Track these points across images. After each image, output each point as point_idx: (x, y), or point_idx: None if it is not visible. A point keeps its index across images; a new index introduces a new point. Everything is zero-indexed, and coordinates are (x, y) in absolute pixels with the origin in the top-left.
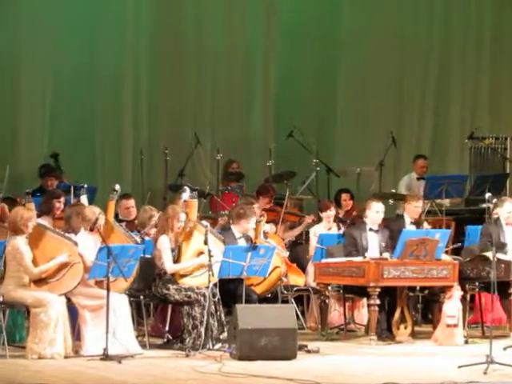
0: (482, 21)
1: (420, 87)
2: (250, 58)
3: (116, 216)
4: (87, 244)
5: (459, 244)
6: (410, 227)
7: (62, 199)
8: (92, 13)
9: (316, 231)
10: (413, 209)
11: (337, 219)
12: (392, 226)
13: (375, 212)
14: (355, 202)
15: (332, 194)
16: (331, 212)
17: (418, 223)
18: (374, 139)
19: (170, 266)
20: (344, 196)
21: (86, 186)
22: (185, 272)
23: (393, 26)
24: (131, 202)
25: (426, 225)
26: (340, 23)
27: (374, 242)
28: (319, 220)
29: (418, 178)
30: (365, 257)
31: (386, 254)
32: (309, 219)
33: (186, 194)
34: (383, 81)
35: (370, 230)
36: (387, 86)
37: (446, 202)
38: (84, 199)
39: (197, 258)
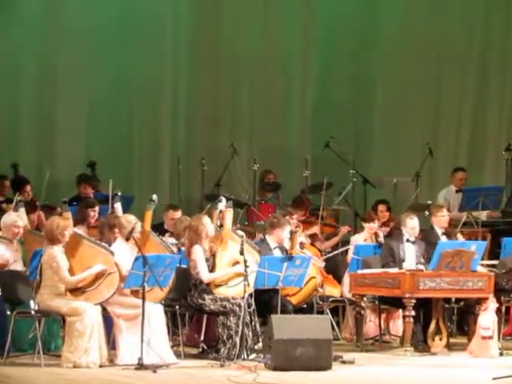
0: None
1: (457, 98)
2: (287, 67)
3: (161, 226)
4: (123, 253)
5: (493, 262)
6: (442, 238)
7: (97, 208)
8: (129, 24)
9: (354, 241)
10: (441, 219)
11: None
12: (427, 237)
13: (410, 228)
14: (392, 213)
15: (368, 205)
16: (374, 224)
17: (449, 234)
18: (411, 150)
19: (206, 276)
20: (381, 207)
21: (119, 193)
22: (220, 282)
23: (432, 36)
24: (178, 214)
25: (459, 236)
26: (378, 30)
27: (411, 254)
28: (356, 231)
29: (457, 191)
30: (401, 268)
31: (421, 266)
32: (345, 229)
33: (221, 204)
34: (421, 91)
35: (408, 241)
36: (424, 97)
37: (483, 214)
38: (118, 207)
39: (233, 267)
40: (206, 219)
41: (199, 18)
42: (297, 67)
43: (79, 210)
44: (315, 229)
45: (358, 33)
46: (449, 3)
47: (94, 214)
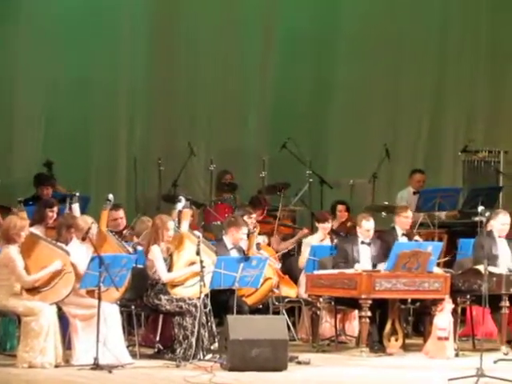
0: (478, 33)
1: (415, 100)
2: (245, 68)
3: None
4: (79, 253)
5: (446, 259)
6: (401, 239)
7: (55, 208)
8: (88, 23)
9: (309, 242)
10: (403, 220)
11: (331, 231)
12: (385, 238)
13: (365, 230)
14: (349, 214)
15: (325, 206)
16: (328, 224)
17: (409, 235)
18: (369, 151)
19: (165, 275)
20: (340, 207)
21: (77, 194)
22: (177, 282)
23: (390, 37)
24: (119, 214)
25: (417, 237)
26: (337, 35)
27: (365, 255)
28: (312, 231)
29: (415, 192)
30: (356, 269)
31: (381, 265)
32: (304, 231)
33: (180, 204)
34: (379, 93)
35: (362, 243)
36: (382, 99)
37: (442, 214)
38: (76, 207)
39: (191, 266)
40: (170, 222)
41: (157, 17)
42: (255, 68)
43: (38, 210)
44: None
45: (316, 34)
46: (407, 4)
47: (52, 214)
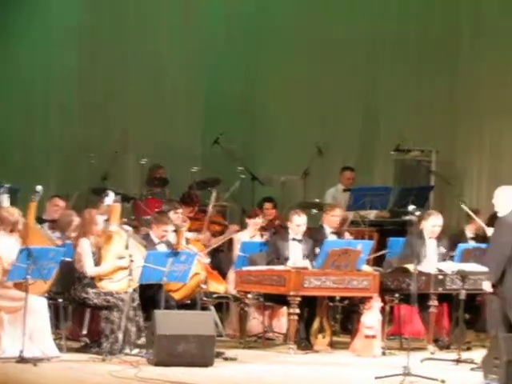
0: (409, 33)
1: (347, 98)
2: (179, 63)
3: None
4: (7, 245)
5: (383, 252)
6: (331, 237)
7: None
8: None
9: (239, 238)
10: (331, 218)
11: (260, 228)
12: (314, 236)
13: (296, 225)
14: (279, 211)
15: (256, 202)
16: (259, 220)
17: (338, 233)
18: (301, 148)
19: (90, 269)
20: (267, 205)
21: (6, 185)
22: (105, 276)
23: (323, 39)
24: (59, 202)
25: (347, 235)
26: (270, 33)
27: (296, 252)
28: (242, 228)
29: (345, 190)
30: (286, 266)
31: (306, 263)
32: (233, 228)
33: (109, 198)
34: (311, 90)
35: (294, 239)
36: (315, 97)
37: (373, 213)
38: (5, 199)
39: (117, 261)
40: (98, 216)
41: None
42: (189, 64)
43: None
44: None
45: (250, 32)
46: (339, 4)
47: None
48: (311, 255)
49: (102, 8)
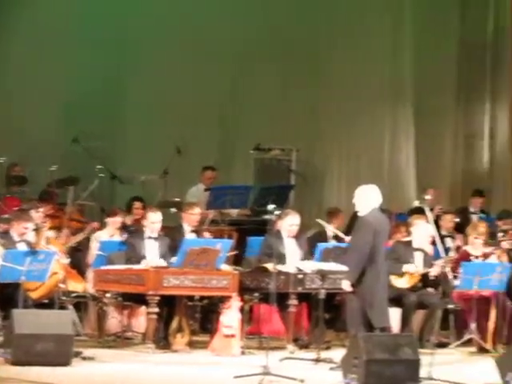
0: (268, 35)
1: (207, 97)
2: (38, 60)
3: None
4: None
5: (237, 251)
6: (190, 236)
7: None
8: None
9: (98, 237)
10: (190, 217)
11: (121, 226)
12: (173, 234)
13: (151, 223)
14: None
15: (116, 201)
16: (118, 218)
17: (198, 232)
18: (161, 148)
19: None
20: (137, 204)
21: None
22: None
23: (186, 36)
24: None
25: (206, 234)
26: (136, 35)
27: (153, 250)
28: (102, 226)
29: (206, 189)
30: (145, 265)
31: (162, 261)
32: (92, 225)
33: None
34: (170, 90)
35: (150, 238)
36: (174, 96)
37: (234, 212)
38: None
39: None
40: None
41: None
42: (49, 62)
43: None
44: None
45: (107, 28)
46: (205, 4)
47: None
48: (167, 253)
49: None
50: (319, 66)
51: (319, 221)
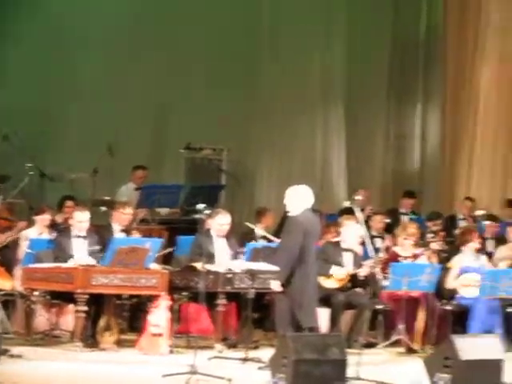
0: (202, 34)
1: (139, 96)
2: None
3: None
4: None
5: (169, 250)
6: (119, 235)
7: None
8: None
9: (27, 235)
10: (121, 216)
11: (51, 224)
12: (102, 233)
13: (78, 222)
14: None
15: (46, 199)
16: (46, 216)
17: (127, 231)
18: (91, 147)
19: None
20: (68, 203)
21: None
22: None
23: (127, 36)
24: None
25: (135, 233)
26: (90, 27)
27: (80, 249)
28: (30, 225)
29: (137, 188)
30: (73, 263)
31: (90, 259)
32: (21, 225)
33: None
34: (103, 89)
35: (78, 236)
36: (105, 95)
37: (165, 211)
38: None
39: None
40: None
41: None
42: None
43: None
44: None
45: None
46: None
47: None
48: (96, 251)
49: None
50: (250, 66)
51: (248, 224)
